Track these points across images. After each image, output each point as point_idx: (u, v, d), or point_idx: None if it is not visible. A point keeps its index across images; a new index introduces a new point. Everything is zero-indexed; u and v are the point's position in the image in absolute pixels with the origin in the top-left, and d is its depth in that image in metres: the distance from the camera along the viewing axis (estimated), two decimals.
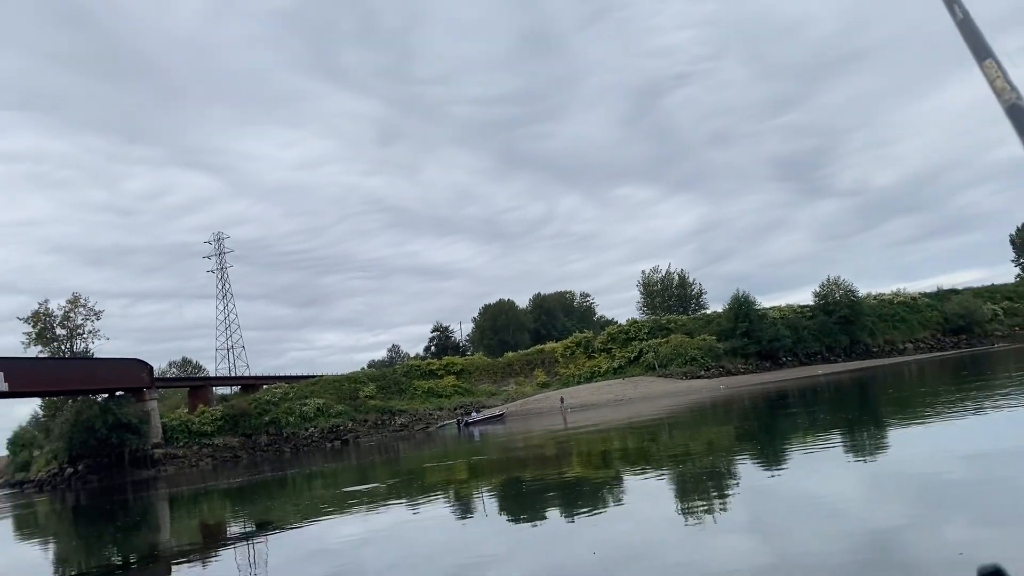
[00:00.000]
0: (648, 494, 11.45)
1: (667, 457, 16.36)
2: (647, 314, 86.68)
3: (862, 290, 75.44)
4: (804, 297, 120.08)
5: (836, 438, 15.35)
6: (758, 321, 67.18)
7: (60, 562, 14.62)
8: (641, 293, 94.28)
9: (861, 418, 19.89)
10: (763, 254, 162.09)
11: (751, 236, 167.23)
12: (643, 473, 14.11)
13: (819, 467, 11.46)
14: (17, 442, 78.66)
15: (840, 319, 70.07)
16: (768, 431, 19.98)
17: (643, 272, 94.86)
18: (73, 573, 12.96)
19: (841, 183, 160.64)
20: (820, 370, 59.21)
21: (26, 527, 24.97)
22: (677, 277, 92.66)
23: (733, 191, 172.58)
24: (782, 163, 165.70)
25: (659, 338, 69.49)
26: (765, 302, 74.70)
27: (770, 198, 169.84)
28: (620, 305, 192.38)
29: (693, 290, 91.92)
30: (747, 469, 12.82)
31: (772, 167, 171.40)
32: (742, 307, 68.10)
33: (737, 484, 11.25)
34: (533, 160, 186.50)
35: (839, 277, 73.36)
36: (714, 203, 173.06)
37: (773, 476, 11.52)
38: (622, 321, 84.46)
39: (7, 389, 49.39)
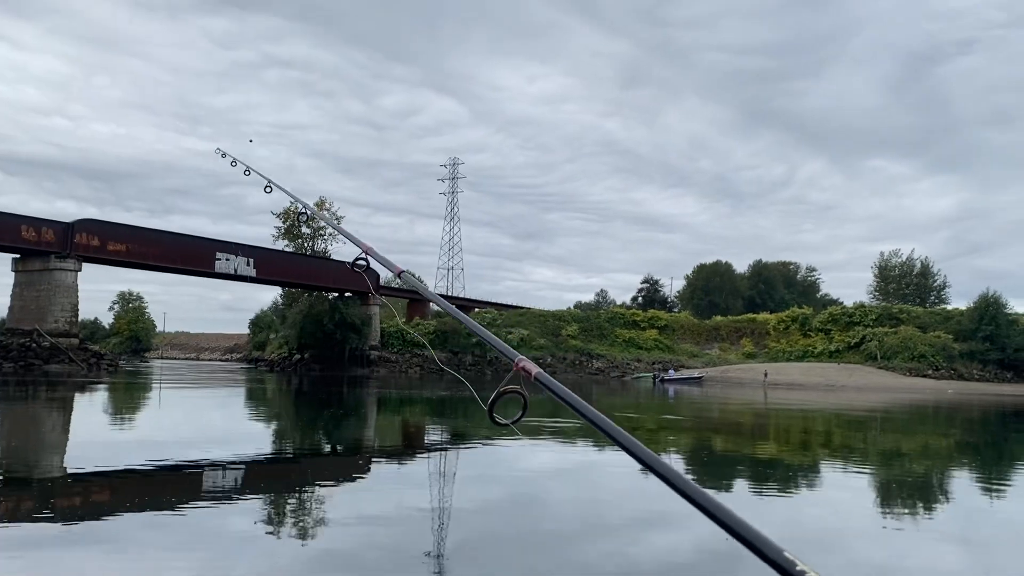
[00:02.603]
0: (846, 487, 10.77)
1: (874, 454, 15.27)
2: (878, 299, 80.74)
3: None
4: None
5: None
6: (1006, 326, 60.40)
7: (279, 436, 16.31)
8: (875, 276, 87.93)
9: None
10: None
11: (1017, 231, 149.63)
12: (843, 464, 13.28)
13: None
14: (258, 323, 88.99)
15: None
16: (996, 448, 18.06)
17: (881, 254, 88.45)
18: (288, 449, 14.40)
19: None
20: None
21: (255, 400, 28.11)
22: (919, 264, 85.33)
23: (1006, 178, 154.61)
24: None
25: (886, 327, 64.52)
26: (1019, 307, 67.08)
27: None
28: (848, 285, 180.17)
29: (935, 281, 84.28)
30: (963, 484, 11.68)
31: None
32: (989, 308, 61.46)
33: (948, 498, 10.28)
34: (780, 118, 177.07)
35: None
36: (980, 189, 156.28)
37: (993, 496, 10.40)
38: (848, 303, 79.35)
39: (255, 275, 55.33)
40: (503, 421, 1.59)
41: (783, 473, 11.91)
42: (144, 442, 13.63)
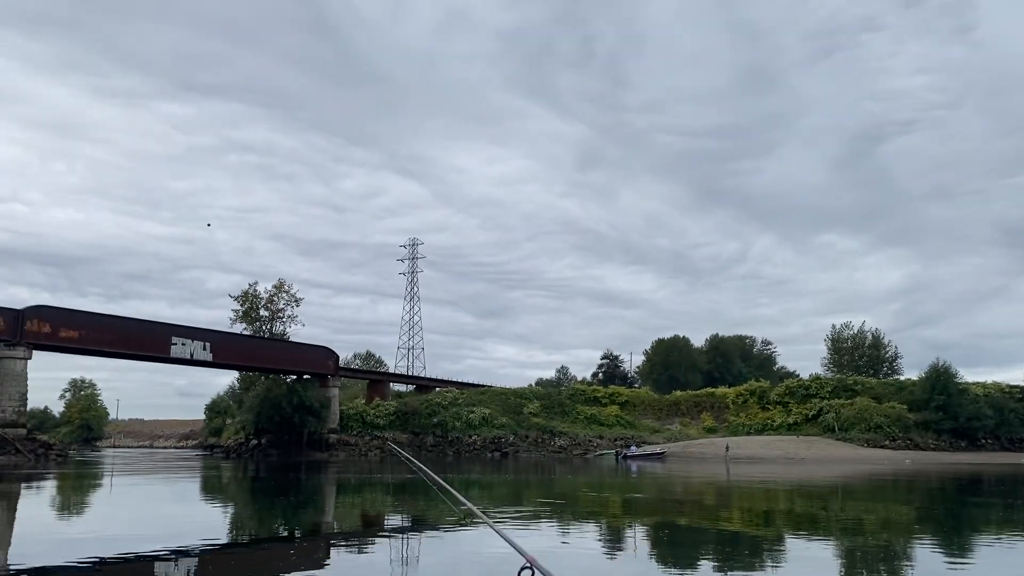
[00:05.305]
0: (812, 560, 10.77)
1: (837, 526, 15.32)
2: (832, 372, 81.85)
3: None
4: (1016, 376, 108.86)
5: None
6: (958, 395, 61.52)
7: (235, 526, 15.86)
8: (829, 349, 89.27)
9: None
10: (974, 324, 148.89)
11: (963, 302, 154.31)
12: (808, 538, 13.30)
13: (1007, 564, 10.30)
14: (214, 409, 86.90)
15: None
16: (955, 517, 18.23)
17: (833, 326, 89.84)
18: (245, 538, 13.99)
19: None
20: None
21: (212, 489, 27.33)
22: (871, 336, 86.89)
23: (950, 251, 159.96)
24: (1011, 228, 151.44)
25: (842, 399, 65.28)
26: (968, 376, 68.43)
27: (992, 264, 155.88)
28: (804, 358, 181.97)
29: (887, 352, 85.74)
30: (925, 554, 11.75)
31: (998, 231, 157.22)
32: (940, 378, 62.67)
33: (912, 567, 10.34)
34: (733, 196, 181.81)
35: None
36: (926, 262, 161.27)
37: (954, 566, 10.48)
38: (804, 375, 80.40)
39: (211, 359, 54.33)
40: None
41: (748, 549, 11.89)
42: (91, 536, 13.15)
